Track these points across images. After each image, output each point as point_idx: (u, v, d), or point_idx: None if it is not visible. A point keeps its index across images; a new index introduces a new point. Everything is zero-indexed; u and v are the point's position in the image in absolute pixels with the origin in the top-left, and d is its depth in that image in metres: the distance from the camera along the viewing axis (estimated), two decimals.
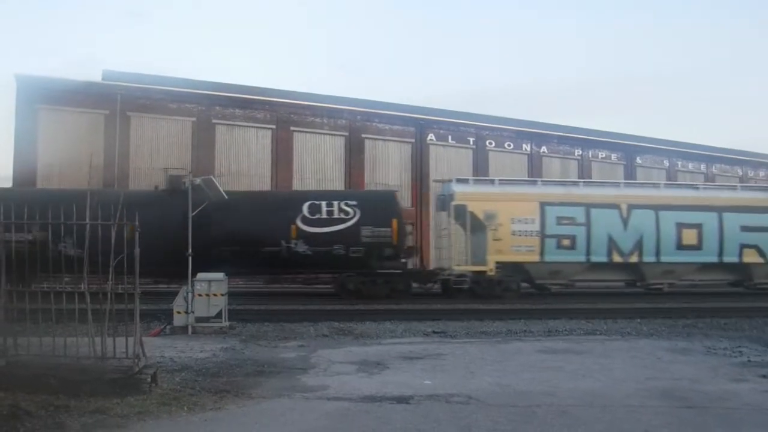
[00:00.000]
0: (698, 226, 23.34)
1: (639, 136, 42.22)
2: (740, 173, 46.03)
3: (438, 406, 7.42)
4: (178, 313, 13.35)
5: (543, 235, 22.63)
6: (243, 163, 31.57)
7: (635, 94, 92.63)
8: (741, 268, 23.87)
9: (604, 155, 41.18)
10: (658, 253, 23.19)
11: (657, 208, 23.23)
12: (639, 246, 23.07)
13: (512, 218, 22.46)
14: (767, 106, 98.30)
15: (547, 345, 12.14)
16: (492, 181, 25.27)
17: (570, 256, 22.87)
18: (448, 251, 22.74)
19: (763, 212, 23.69)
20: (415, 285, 22.84)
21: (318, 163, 33.11)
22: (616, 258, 23.12)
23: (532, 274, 23.15)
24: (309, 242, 20.59)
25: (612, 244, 22.98)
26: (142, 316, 8.16)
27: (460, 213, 22.47)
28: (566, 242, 22.72)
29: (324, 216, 20.87)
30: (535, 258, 22.68)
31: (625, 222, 22.94)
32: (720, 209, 23.53)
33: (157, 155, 30.63)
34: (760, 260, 23.51)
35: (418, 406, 7.45)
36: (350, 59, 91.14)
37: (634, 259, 23.20)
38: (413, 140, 35.86)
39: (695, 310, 18.01)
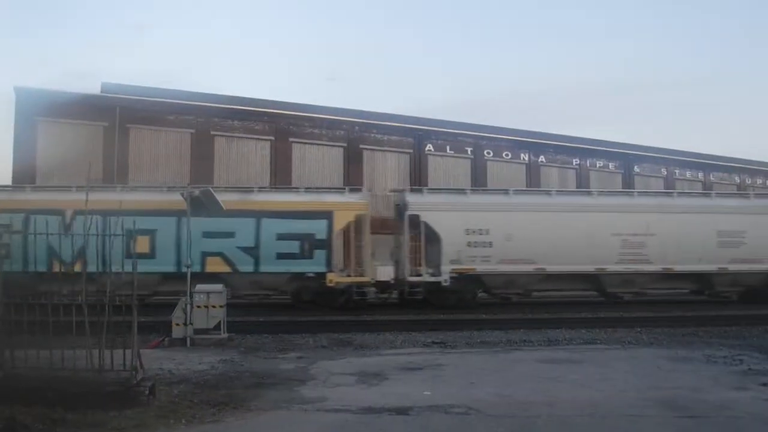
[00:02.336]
0: None
1: (637, 145, 42.27)
2: (738, 181, 46.12)
3: (437, 417, 7.40)
4: (177, 324, 13.29)
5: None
6: (242, 175, 31.54)
7: (633, 102, 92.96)
8: None
9: (601, 164, 41.22)
10: None
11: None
12: None
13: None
14: (763, 114, 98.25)
15: (547, 355, 12.13)
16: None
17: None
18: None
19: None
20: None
21: (317, 174, 33.11)
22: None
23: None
24: None
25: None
26: (140, 328, 8.10)
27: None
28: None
29: None
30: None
31: None
32: None
33: (156, 167, 30.66)
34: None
35: (418, 417, 7.42)
36: (347, 71, 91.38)
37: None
38: (411, 150, 35.90)
39: (695, 318, 17.98)
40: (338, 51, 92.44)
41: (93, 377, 7.54)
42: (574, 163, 40.35)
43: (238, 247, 20.74)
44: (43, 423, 6.59)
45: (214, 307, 13.60)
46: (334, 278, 20.89)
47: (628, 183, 40.31)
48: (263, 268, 20.85)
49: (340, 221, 21.40)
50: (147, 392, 7.61)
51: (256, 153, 32.75)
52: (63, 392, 7.22)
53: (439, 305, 21.67)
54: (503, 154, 38.18)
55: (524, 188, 28.17)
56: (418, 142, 36.05)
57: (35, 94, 28.94)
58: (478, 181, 35.83)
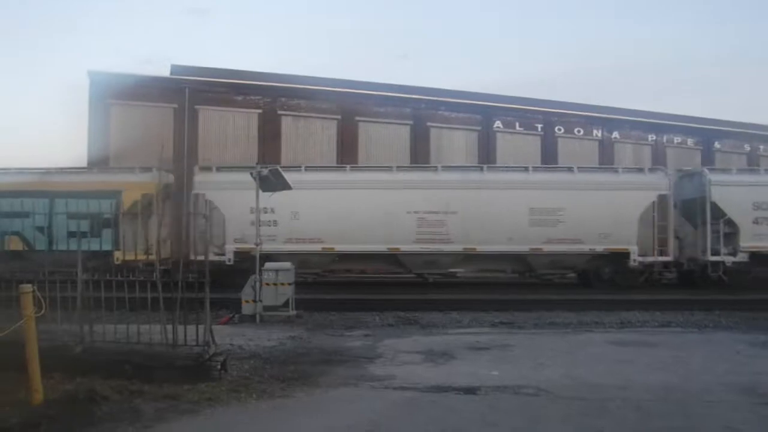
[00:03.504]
0: None
1: (717, 120, 40.25)
2: None
3: (506, 398, 7.30)
4: (247, 302, 13.62)
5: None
6: (309, 154, 31.81)
7: (714, 75, 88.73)
8: None
9: (679, 140, 39.59)
10: None
11: None
12: None
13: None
14: None
15: (619, 337, 11.82)
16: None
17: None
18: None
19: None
20: None
21: (383, 153, 33.02)
22: None
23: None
24: None
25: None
26: (212, 304, 8.30)
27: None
28: None
29: None
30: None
31: None
32: None
33: (225, 147, 31.26)
34: None
35: (486, 396, 7.35)
36: (413, 48, 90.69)
37: None
38: (479, 128, 35.33)
39: None
40: (410, 29, 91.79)
41: (167, 352, 7.80)
42: (650, 139, 38.88)
43: (34, 227, 21.30)
44: (121, 394, 6.86)
45: (282, 284, 13.85)
46: (120, 256, 20.00)
47: (708, 160, 38.65)
48: (57, 247, 20.82)
49: (128, 200, 21.49)
50: (219, 367, 7.80)
51: (323, 132, 32.94)
52: (139, 365, 7.50)
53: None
54: (575, 131, 37.12)
55: (317, 166, 26.04)
56: (486, 119, 35.43)
57: (108, 78, 29.87)
58: (549, 158, 35.04)
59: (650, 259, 22.10)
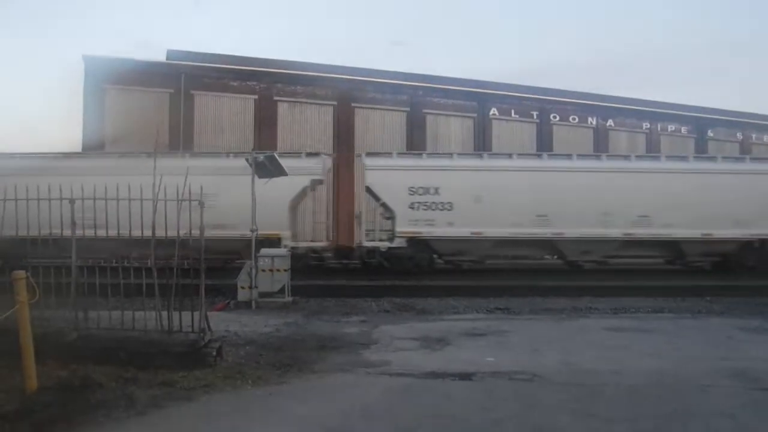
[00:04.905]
0: None
1: (710, 108, 40.38)
2: None
3: (502, 384, 7.32)
4: (242, 288, 13.61)
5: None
6: (305, 140, 31.74)
7: (708, 63, 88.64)
8: None
9: (673, 128, 39.66)
10: None
11: None
12: None
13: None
14: None
15: (613, 323, 11.85)
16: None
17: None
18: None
19: None
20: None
21: (380, 139, 32.96)
22: None
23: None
24: None
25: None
26: (207, 291, 8.29)
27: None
28: None
29: None
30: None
31: None
32: None
33: (221, 133, 31.16)
34: None
35: (482, 382, 7.36)
36: (410, 34, 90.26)
37: None
38: (475, 115, 35.32)
39: None
40: (404, 15, 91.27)
41: (162, 338, 7.78)
42: (644, 127, 38.97)
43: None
44: (116, 381, 6.84)
45: (278, 270, 13.86)
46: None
47: (701, 148, 38.75)
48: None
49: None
50: (214, 354, 7.79)
51: (319, 118, 32.85)
52: (134, 352, 7.49)
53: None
54: (570, 118, 37.16)
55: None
56: (482, 106, 35.41)
57: (103, 62, 29.75)
58: (544, 146, 35.01)
59: (304, 245, 22.14)
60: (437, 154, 25.54)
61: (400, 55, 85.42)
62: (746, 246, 22.53)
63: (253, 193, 14.37)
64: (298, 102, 32.51)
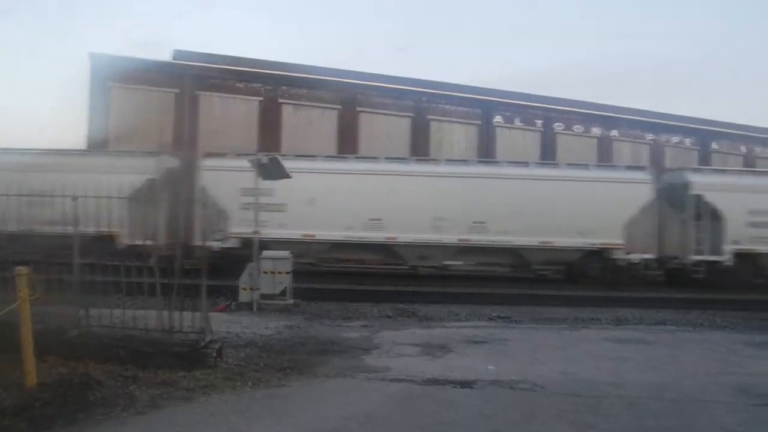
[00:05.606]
0: None
1: (714, 121, 40.32)
2: None
3: (502, 392, 7.32)
4: (244, 290, 13.59)
5: None
6: (309, 143, 31.66)
7: (713, 76, 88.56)
8: None
9: (677, 140, 39.62)
10: None
11: None
12: None
13: None
14: None
15: (614, 334, 11.85)
16: None
17: None
18: None
19: None
20: None
21: (383, 144, 32.87)
22: None
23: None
24: None
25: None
26: (208, 291, 8.26)
27: None
28: None
29: None
30: None
31: None
32: None
33: (225, 134, 30.99)
34: None
35: (482, 390, 7.36)
36: (418, 41, 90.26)
37: None
38: (479, 122, 35.29)
39: None
40: (409, 21, 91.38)
41: (163, 338, 7.76)
42: (648, 138, 38.95)
43: None
44: (115, 380, 6.81)
45: (280, 273, 13.83)
46: None
47: (705, 160, 38.69)
48: None
49: None
50: (215, 354, 7.77)
51: (323, 122, 32.80)
52: (134, 351, 7.46)
53: None
54: (574, 128, 37.10)
55: None
56: (486, 114, 35.35)
57: (109, 60, 29.57)
58: (548, 155, 35.00)
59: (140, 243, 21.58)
60: None
61: (403, 62, 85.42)
62: (589, 255, 22.20)
63: (256, 197, 14.39)
64: (302, 105, 32.47)
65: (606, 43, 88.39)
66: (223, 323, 10.73)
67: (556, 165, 25.07)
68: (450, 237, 21.80)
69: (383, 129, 33.36)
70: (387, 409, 6.60)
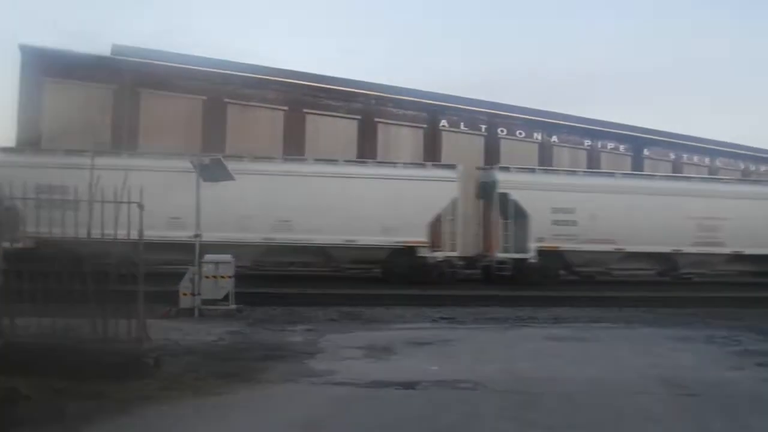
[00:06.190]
0: None
1: (647, 129, 42.22)
2: (742, 167, 45.97)
3: (445, 392, 7.41)
4: (185, 295, 13.17)
5: None
6: (255, 144, 31.09)
7: (644, 86, 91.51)
8: None
9: (612, 146, 41.13)
10: None
11: None
12: None
13: None
14: None
15: (553, 332, 12.23)
16: None
17: None
18: None
19: None
20: None
21: (330, 146, 32.68)
22: None
23: None
24: None
25: None
26: (147, 297, 8.01)
27: None
28: None
29: None
30: None
31: None
32: None
33: (167, 133, 29.97)
34: None
35: (425, 391, 7.43)
36: (361, 43, 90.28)
37: None
38: (426, 126, 35.58)
39: (696, 299, 17.80)
40: (357, 23, 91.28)
41: (97, 347, 7.42)
42: (586, 144, 40.25)
43: None
44: (44, 394, 6.47)
45: (222, 277, 13.53)
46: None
47: (638, 165, 40.23)
48: None
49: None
50: (152, 363, 7.54)
51: (270, 123, 32.41)
52: (65, 362, 7.10)
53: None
54: (517, 133, 37.89)
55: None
56: (432, 118, 35.69)
57: (42, 53, 28.05)
58: (491, 158, 35.50)
59: None
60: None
61: (355, 64, 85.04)
62: (396, 253, 22.21)
63: (197, 198, 14.11)
64: (248, 105, 31.98)
65: (549, 51, 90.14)
66: (162, 330, 10.37)
67: (365, 163, 24.93)
68: (254, 236, 21.11)
69: (330, 131, 33.16)
70: (330, 412, 6.59)
